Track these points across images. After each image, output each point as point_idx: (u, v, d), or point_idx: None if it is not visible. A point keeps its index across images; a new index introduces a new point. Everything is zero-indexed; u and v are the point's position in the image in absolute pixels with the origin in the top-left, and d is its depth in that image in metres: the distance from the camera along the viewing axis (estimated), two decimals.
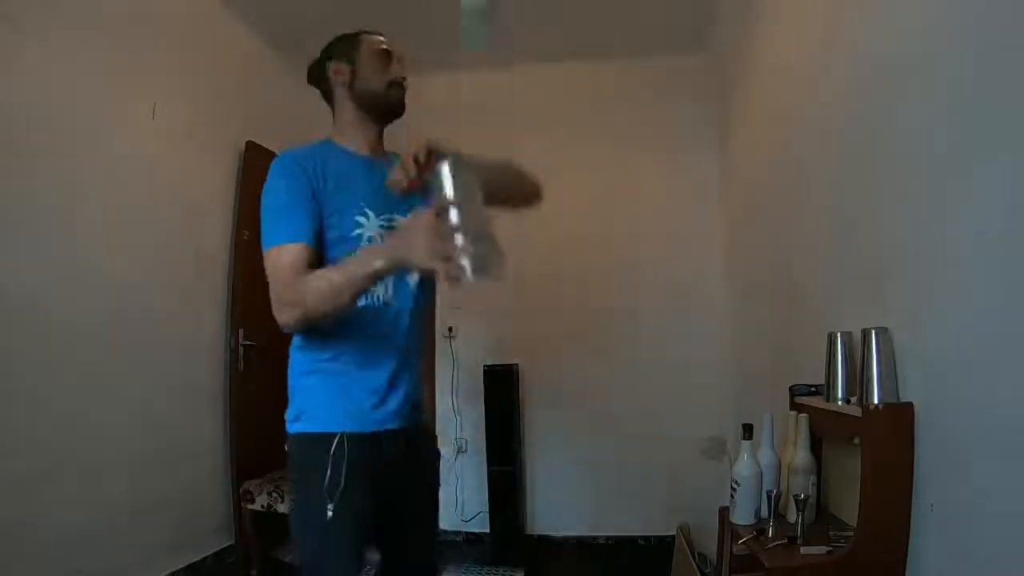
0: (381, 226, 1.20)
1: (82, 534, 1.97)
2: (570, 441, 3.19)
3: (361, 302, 1.11)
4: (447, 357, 3.26)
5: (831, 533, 1.32)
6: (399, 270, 1.07)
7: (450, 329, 3.29)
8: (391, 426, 1.18)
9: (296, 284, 1.04)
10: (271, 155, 3.04)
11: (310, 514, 1.12)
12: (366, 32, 1.33)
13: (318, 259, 1.11)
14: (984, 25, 0.98)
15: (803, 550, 1.25)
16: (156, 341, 2.38)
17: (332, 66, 1.29)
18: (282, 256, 1.07)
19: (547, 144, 3.36)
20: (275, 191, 1.14)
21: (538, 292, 3.27)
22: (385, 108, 1.29)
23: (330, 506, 1.08)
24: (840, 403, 1.33)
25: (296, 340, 1.21)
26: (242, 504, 2.52)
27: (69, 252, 2.03)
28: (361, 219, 1.18)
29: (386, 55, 1.30)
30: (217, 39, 2.82)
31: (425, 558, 1.31)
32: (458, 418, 3.23)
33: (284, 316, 1.06)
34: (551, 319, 3.26)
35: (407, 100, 1.31)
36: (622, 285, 3.21)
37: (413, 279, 1.25)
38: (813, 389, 1.54)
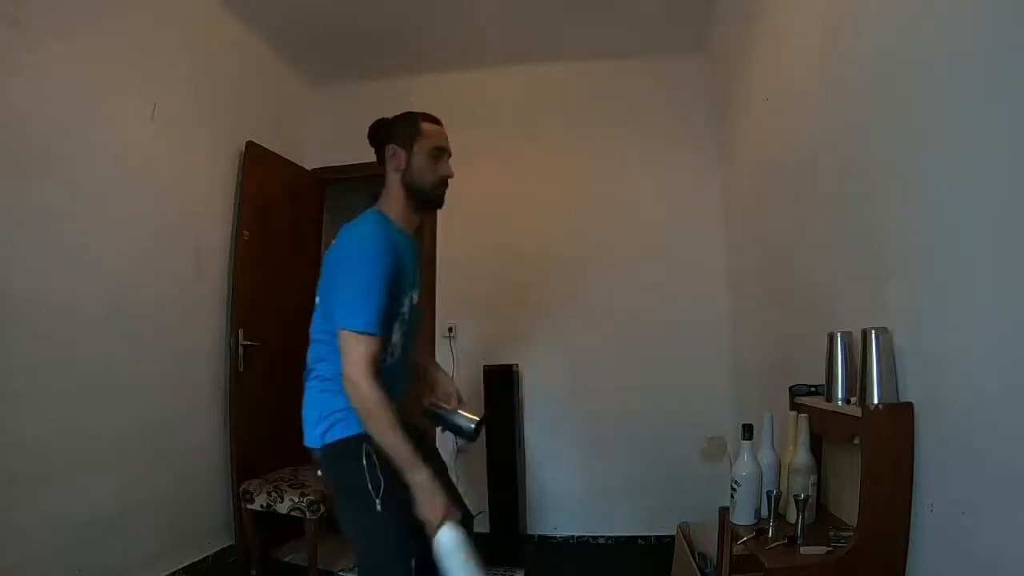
0: (404, 308, 1.40)
1: (82, 534, 1.98)
2: (570, 441, 3.19)
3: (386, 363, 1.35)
4: (447, 357, 3.26)
5: (831, 533, 1.32)
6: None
7: (450, 329, 3.30)
8: None
9: (371, 391, 1.23)
10: (271, 155, 3.07)
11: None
12: (427, 120, 1.47)
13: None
14: (985, 23, 0.98)
15: (803, 550, 1.25)
16: (156, 341, 2.38)
17: (391, 148, 1.44)
18: (366, 346, 1.25)
19: (547, 144, 3.38)
20: (373, 266, 1.28)
21: (538, 292, 3.27)
22: (428, 204, 1.46)
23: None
24: (840, 403, 1.33)
25: (331, 380, 1.34)
26: (242, 504, 2.52)
27: (69, 252, 2.03)
28: (406, 300, 1.40)
29: (439, 153, 1.45)
30: (217, 39, 2.82)
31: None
32: None
33: (349, 391, 1.25)
34: (550, 319, 3.26)
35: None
36: (622, 284, 3.21)
37: (408, 334, 1.45)
38: (813, 389, 1.54)
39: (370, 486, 1.26)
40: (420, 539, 1.29)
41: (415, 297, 1.46)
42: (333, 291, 1.32)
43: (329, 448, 1.33)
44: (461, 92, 3.47)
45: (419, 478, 1.24)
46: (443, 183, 1.46)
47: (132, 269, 2.29)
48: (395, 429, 1.24)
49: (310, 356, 1.41)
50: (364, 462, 1.27)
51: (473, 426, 1.47)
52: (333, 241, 1.39)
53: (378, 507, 1.26)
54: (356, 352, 1.25)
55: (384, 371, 1.34)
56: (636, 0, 2.87)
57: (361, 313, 1.26)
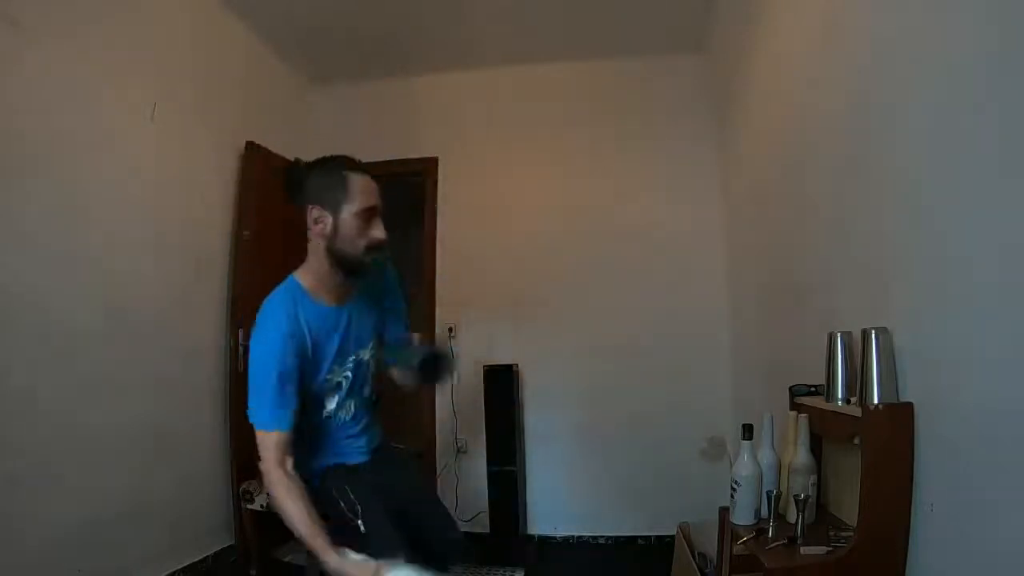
0: (347, 373, 1.40)
1: (82, 534, 1.97)
2: (570, 441, 3.19)
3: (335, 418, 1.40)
4: None
5: (831, 533, 1.32)
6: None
7: (450, 329, 3.30)
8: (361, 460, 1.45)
9: (279, 480, 1.23)
10: (271, 155, 3.07)
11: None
12: (354, 169, 1.29)
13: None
14: (984, 23, 0.98)
15: (803, 550, 1.25)
16: (156, 341, 2.38)
17: (315, 211, 1.27)
18: (271, 441, 1.23)
19: (547, 144, 3.38)
20: (270, 362, 1.23)
21: (538, 291, 3.27)
22: (356, 271, 1.32)
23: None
24: (840, 403, 1.33)
25: None
26: (242, 504, 2.52)
27: (69, 252, 2.03)
28: (339, 369, 1.38)
29: (370, 214, 1.28)
30: (217, 39, 2.82)
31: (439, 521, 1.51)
32: (458, 418, 3.23)
33: (265, 482, 1.26)
34: (550, 319, 3.26)
35: None
36: (622, 284, 3.21)
37: (366, 391, 1.48)
38: (813, 389, 1.54)
39: (347, 512, 1.31)
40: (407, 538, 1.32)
41: (364, 354, 1.44)
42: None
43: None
44: (461, 92, 3.47)
45: (329, 563, 1.19)
46: (376, 247, 1.29)
47: (132, 269, 2.29)
48: (305, 522, 1.20)
49: None
50: (334, 494, 1.33)
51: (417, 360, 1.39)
52: None
53: (362, 528, 1.29)
54: (263, 446, 1.24)
55: (335, 430, 1.41)
56: (636, 0, 2.87)
57: (259, 412, 1.24)
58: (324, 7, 2.89)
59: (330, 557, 1.17)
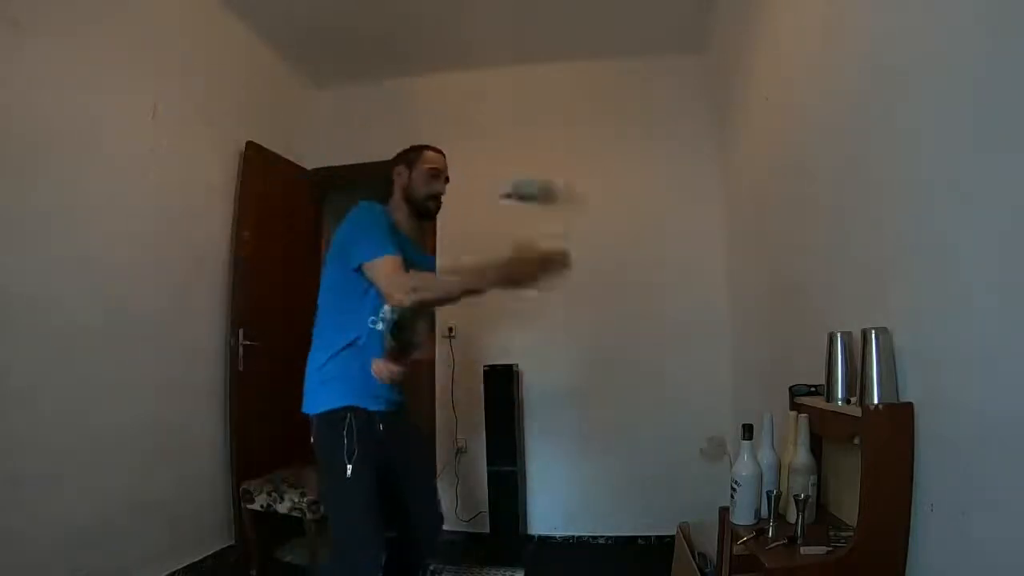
0: None
1: (82, 534, 1.98)
2: (570, 441, 3.19)
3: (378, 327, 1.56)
4: (447, 357, 3.27)
5: (831, 533, 1.32)
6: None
7: (450, 329, 3.30)
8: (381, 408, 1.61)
9: (415, 284, 1.48)
10: (271, 155, 3.07)
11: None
12: (428, 148, 1.77)
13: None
14: (985, 24, 0.98)
15: (803, 550, 1.25)
16: (156, 341, 2.38)
17: (397, 169, 1.74)
18: (387, 265, 1.49)
19: (547, 144, 3.37)
20: (374, 222, 1.56)
21: (538, 291, 3.27)
22: (423, 213, 1.75)
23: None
24: (840, 403, 1.33)
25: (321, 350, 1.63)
26: (242, 504, 2.52)
27: (69, 252, 2.03)
28: None
29: (435, 173, 1.74)
30: (218, 39, 2.82)
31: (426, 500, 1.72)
32: (458, 418, 3.23)
33: (402, 297, 1.46)
34: (550, 319, 3.26)
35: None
36: (621, 284, 3.21)
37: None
38: (813, 389, 1.54)
39: (344, 453, 1.46)
40: (387, 519, 1.52)
41: None
42: (348, 251, 1.55)
43: (318, 417, 1.56)
44: (461, 92, 3.47)
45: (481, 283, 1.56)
46: (433, 197, 1.73)
47: (132, 269, 2.29)
48: (456, 285, 1.55)
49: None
50: (344, 431, 1.48)
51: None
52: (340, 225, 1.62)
53: (348, 473, 1.45)
54: (380, 273, 1.49)
55: (373, 335, 1.56)
56: (636, 0, 2.87)
57: (375, 247, 1.50)
58: (324, 7, 2.89)
59: (472, 282, 1.55)
